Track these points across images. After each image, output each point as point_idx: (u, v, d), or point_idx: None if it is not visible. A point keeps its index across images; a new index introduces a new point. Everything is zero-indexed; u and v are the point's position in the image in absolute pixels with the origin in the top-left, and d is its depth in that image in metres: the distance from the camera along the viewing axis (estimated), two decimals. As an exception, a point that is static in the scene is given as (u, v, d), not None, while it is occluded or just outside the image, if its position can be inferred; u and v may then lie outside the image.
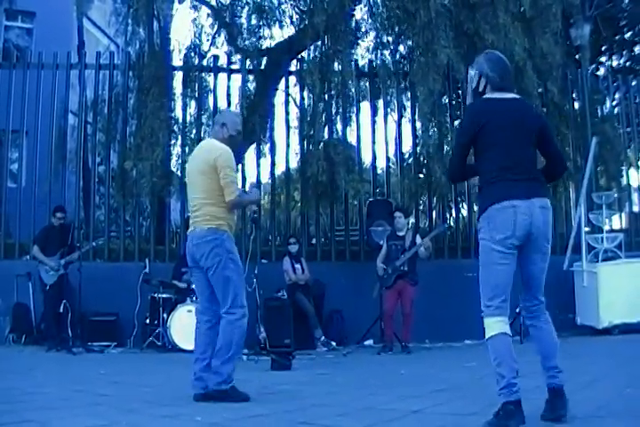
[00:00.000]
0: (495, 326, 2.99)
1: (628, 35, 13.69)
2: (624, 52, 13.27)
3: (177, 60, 9.79)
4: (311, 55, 9.16)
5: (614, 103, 11.03)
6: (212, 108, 9.60)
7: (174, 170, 9.64)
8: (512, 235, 2.99)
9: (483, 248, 3.09)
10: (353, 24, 9.51)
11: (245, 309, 4.03)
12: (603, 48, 13.59)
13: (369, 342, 8.30)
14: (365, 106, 10.21)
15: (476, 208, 9.83)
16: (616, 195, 9.34)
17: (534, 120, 3.19)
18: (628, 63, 13.32)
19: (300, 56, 9.65)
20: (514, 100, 3.20)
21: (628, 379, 4.25)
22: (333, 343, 8.00)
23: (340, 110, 9.19)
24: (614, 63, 13.14)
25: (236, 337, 3.97)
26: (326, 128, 9.52)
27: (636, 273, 8.18)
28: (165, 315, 7.77)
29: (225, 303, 3.99)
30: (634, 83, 11.36)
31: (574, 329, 8.23)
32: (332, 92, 9.05)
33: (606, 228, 8.99)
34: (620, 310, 7.96)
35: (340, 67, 9.06)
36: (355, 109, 9.58)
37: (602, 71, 12.19)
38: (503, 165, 3.07)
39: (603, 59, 13.51)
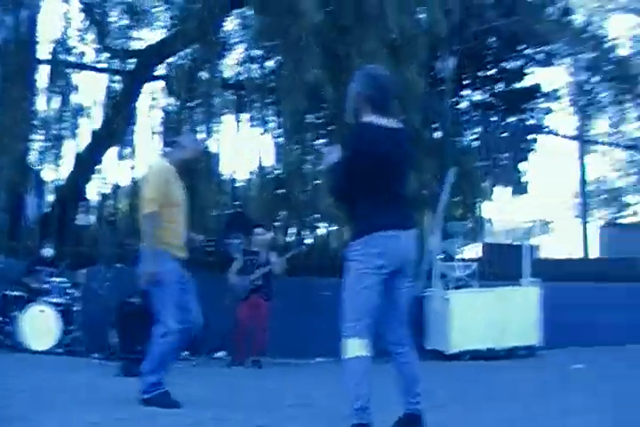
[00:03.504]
0: (355, 347, 3.36)
1: (491, 72, 16.13)
2: (486, 88, 15.67)
3: (44, 54, 10.33)
4: (179, 62, 10.13)
5: (474, 137, 13.19)
6: (75, 106, 10.33)
7: (33, 165, 10.22)
8: (389, 263, 3.43)
9: (354, 271, 3.46)
10: (224, 35, 10.55)
11: (170, 327, 4.55)
12: (466, 82, 15.93)
13: (221, 353, 9.11)
14: (230, 118, 11.29)
15: (333, 228, 11.41)
16: (470, 225, 11.28)
17: (409, 148, 3.75)
18: (489, 99, 15.76)
19: (168, 61, 10.50)
20: (400, 130, 3.65)
21: (475, 403, 5.02)
22: (184, 353, 8.31)
23: (204, 120, 10.21)
24: (476, 98, 15.52)
25: (155, 352, 4.58)
26: (189, 136, 10.68)
27: (487, 302, 9.59)
28: (17, 313, 8.20)
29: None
30: (494, 118, 13.65)
31: (424, 354, 9.85)
32: (198, 101, 10.02)
33: (460, 256, 10.54)
34: (470, 337, 9.25)
35: (207, 76, 10.04)
36: (219, 120, 10.65)
37: (464, 104, 14.45)
38: (386, 194, 3.52)
39: (466, 93, 15.84)
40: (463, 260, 10.75)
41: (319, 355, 9.03)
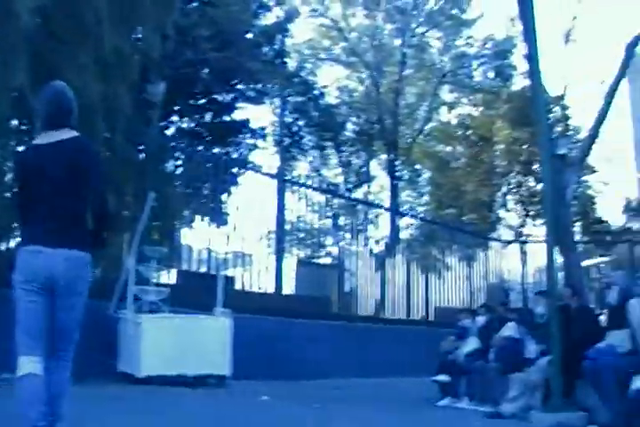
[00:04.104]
0: (25, 365, 3.42)
1: (201, 101, 16.78)
2: (195, 117, 16.27)
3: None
4: None
5: (178, 163, 13.63)
6: None
7: None
8: (32, 279, 3.54)
9: (13, 285, 3.63)
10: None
11: None
12: (176, 108, 16.41)
13: None
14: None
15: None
16: (167, 250, 11.60)
17: (85, 161, 3.71)
18: (197, 128, 16.37)
19: None
20: (60, 142, 3.67)
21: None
22: None
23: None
24: (184, 125, 16.06)
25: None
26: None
27: (179, 328, 9.89)
28: None
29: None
30: (199, 147, 14.21)
31: (115, 376, 9.54)
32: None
33: (155, 281, 10.78)
34: (161, 362, 9.47)
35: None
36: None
37: (171, 131, 14.87)
38: (40, 212, 3.58)
39: (175, 119, 16.32)
40: (158, 284, 10.97)
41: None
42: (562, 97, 25.15)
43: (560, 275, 14.51)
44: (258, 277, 14.57)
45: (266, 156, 22.57)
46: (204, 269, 13.54)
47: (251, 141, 18.91)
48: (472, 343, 10.00)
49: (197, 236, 13.88)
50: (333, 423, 7.28)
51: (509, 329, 9.20)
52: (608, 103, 15.54)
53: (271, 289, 14.68)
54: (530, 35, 8.87)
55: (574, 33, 26.75)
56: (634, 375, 6.26)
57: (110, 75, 10.63)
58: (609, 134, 29.18)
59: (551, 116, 26.06)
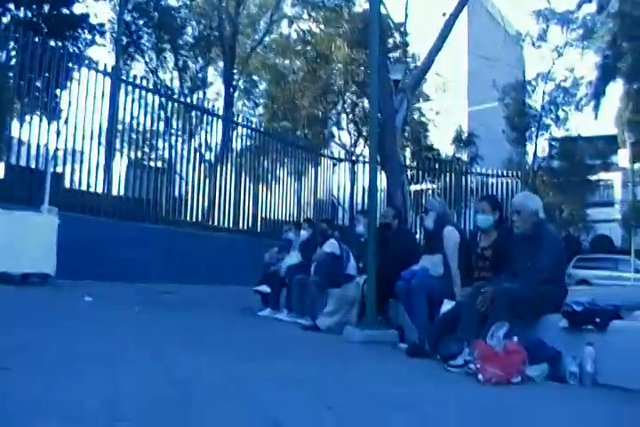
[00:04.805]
0: None
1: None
2: (33, 8, 15.39)
3: None
4: None
5: (13, 54, 13.02)
6: None
7: None
8: None
9: None
10: None
11: None
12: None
13: None
14: None
15: None
16: (-3, 142, 11.23)
17: None
18: (34, 19, 15.55)
19: None
20: None
21: None
22: None
23: None
24: (21, 15, 15.20)
25: None
26: None
27: (3, 224, 9.64)
28: None
29: None
30: (35, 39, 13.54)
31: None
32: None
33: None
34: None
35: None
36: None
37: (6, 19, 14.09)
38: None
39: (11, 6, 15.39)
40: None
41: None
42: (403, 24, 25.74)
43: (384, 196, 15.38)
44: (88, 176, 14.40)
45: (103, 53, 21.87)
46: (32, 165, 13.22)
47: (89, 37, 18.21)
48: (294, 257, 10.40)
49: (28, 130, 13.48)
50: (149, 325, 7.55)
51: (330, 245, 9.52)
52: (445, 35, 16.18)
53: (100, 189, 14.58)
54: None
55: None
56: (444, 299, 6.64)
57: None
58: (445, 66, 30.48)
59: (390, 41, 26.64)
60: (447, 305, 6.49)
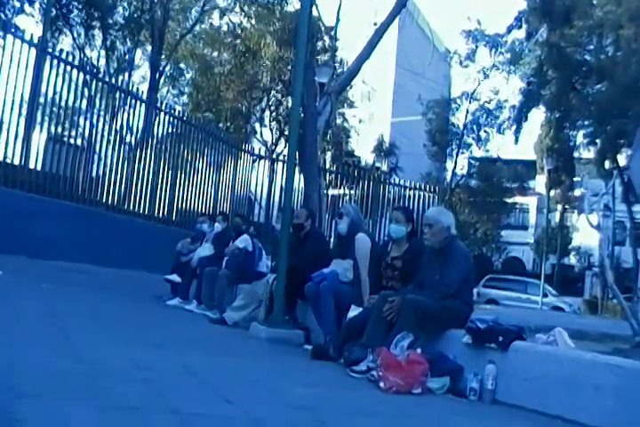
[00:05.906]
0: None
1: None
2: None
3: None
4: None
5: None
6: None
7: None
8: None
9: None
10: None
11: None
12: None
13: None
14: None
15: None
16: None
17: None
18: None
19: None
20: None
21: None
22: None
23: None
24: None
25: None
26: None
27: None
28: None
29: None
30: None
31: None
32: None
33: None
34: None
35: None
36: None
37: None
38: None
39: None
40: None
41: None
42: (334, 28, 26.02)
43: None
44: (5, 147, 14.06)
45: (31, 23, 21.35)
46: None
47: (17, 4, 17.72)
48: (207, 249, 10.49)
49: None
50: (52, 302, 7.59)
51: (243, 241, 9.67)
52: (374, 44, 16.42)
53: (17, 161, 14.27)
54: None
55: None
56: (351, 304, 6.77)
57: None
58: (372, 75, 30.96)
59: (319, 43, 26.82)
60: (354, 311, 6.59)
